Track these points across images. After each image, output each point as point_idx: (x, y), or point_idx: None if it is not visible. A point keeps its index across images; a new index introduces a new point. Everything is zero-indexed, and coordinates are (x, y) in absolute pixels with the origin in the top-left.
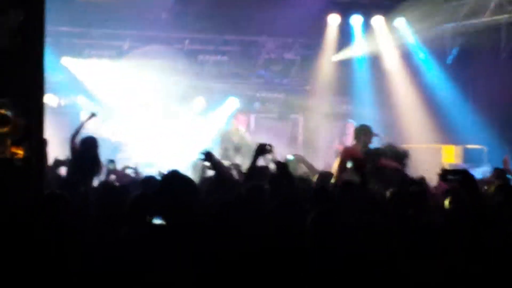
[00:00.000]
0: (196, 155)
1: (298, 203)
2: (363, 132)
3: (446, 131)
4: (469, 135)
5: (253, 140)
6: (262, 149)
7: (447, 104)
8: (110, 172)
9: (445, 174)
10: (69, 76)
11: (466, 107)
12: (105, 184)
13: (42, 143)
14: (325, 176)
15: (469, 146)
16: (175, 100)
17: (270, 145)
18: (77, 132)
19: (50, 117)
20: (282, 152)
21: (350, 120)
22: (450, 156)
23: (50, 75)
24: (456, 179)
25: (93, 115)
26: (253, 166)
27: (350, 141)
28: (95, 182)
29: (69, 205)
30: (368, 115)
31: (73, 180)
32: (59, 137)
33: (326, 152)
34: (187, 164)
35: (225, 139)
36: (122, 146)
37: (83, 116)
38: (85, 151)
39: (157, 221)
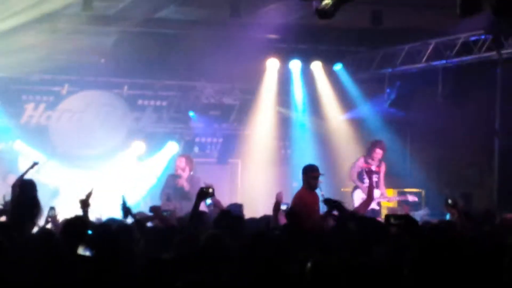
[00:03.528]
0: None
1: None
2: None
3: (385, 174)
4: (407, 179)
5: (192, 185)
6: (204, 193)
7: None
8: (50, 219)
9: (388, 218)
10: (5, 121)
11: (404, 150)
12: (43, 232)
13: None
14: (266, 220)
15: (407, 189)
16: (115, 144)
17: (212, 189)
18: (20, 179)
19: None
20: (221, 197)
21: None
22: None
23: None
24: (398, 223)
25: (35, 164)
26: (195, 211)
27: None
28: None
29: (5, 251)
30: (308, 159)
31: (12, 225)
32: None
33: (264, 197)
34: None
35: (168, 184)
36: (60, 191)
37: (21, 161)
38: (23, 195)
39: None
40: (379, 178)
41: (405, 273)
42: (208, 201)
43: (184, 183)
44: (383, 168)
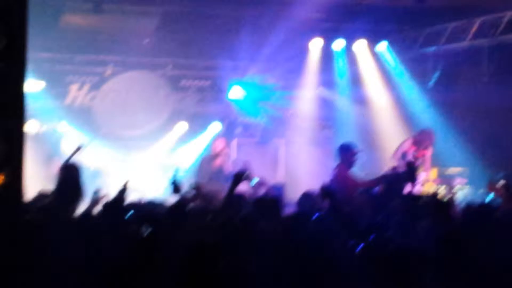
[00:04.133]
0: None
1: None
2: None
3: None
4: (450, 157)
5: (233, 165)
6: (239, 177)
7: (428, 127)
8: (94, 202)
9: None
10: (50, 102)
11: (447, 130)
12: (85, 215)
13: (22, 170)
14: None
15: (451, 168)
16: (158, 125)
17: (248, 172)
18: (66, 163)
19: (30, 144)
20: (264, 176)
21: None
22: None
23: (31, 101)
24: (427, 203)
25: (79, 148)
26: (231, 194)
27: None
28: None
29: (47, 232)
30: (350, 139)
31: (55, 208)
32: (38, 164)
33: (307, 176)
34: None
35: (203, 166)
36: (102, 173)
37: (64, 143)
38: (67, 177)
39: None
40: (424, 161)
41: (430, 255)
42: (254, 181)
43: (228, 165)
44: (429, 152)
